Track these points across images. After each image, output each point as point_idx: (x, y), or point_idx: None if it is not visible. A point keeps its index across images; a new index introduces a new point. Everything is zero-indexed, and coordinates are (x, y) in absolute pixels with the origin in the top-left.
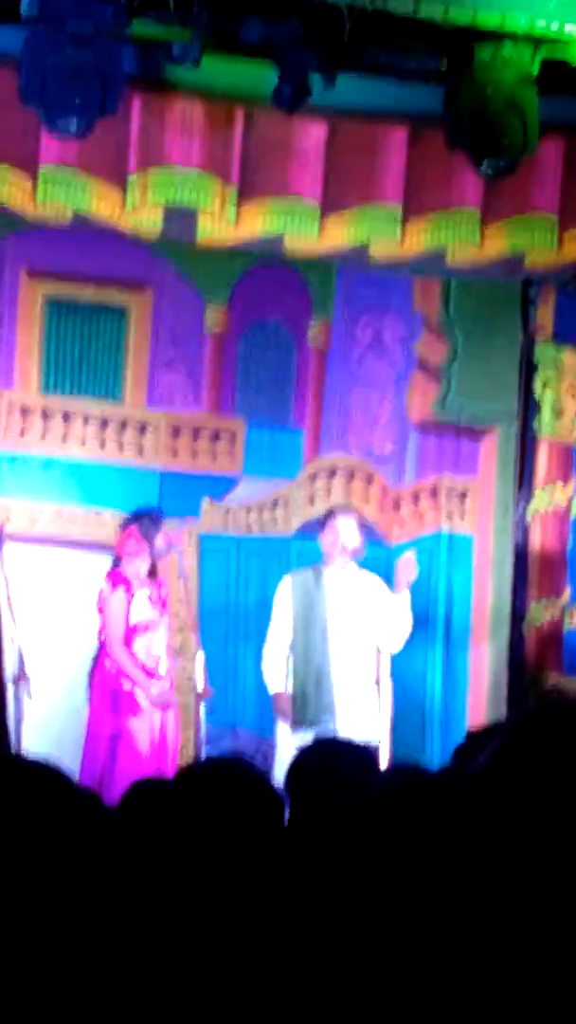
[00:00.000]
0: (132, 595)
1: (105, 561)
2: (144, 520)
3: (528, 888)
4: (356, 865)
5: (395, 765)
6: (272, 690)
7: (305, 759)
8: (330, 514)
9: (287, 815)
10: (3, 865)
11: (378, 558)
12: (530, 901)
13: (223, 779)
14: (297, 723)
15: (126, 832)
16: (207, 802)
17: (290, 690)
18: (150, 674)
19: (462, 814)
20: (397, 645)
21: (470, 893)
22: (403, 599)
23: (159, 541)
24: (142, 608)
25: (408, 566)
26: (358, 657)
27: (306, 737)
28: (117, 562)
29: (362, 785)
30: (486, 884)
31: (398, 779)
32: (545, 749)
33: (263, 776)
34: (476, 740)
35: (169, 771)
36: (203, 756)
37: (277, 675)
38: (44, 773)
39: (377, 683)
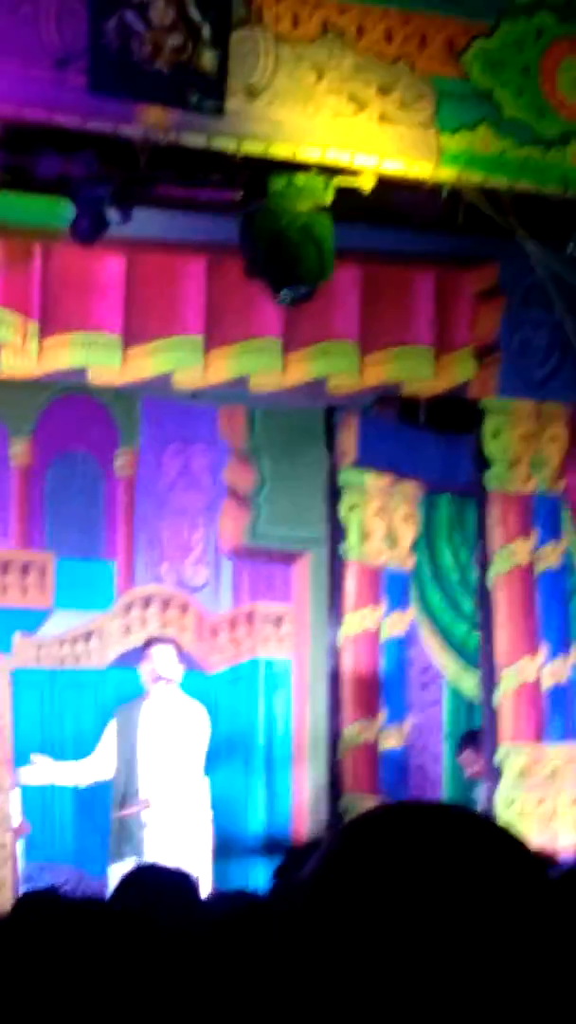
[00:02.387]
0: None
1: None
2: None
3: (366, 1003)
4: (186, 995)
5: (219, 892)
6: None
7: (124, 886)
8: (148, 643)
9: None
10: None
11: (196, 687)
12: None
13: (38, 913)
14: (111, 854)
15: None
16: (21, 937)
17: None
18: None
19: (291, 932)
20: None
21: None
22: None
23: None
24: None
25: None
26: (173, 787)
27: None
28: None
29: (182, 909)
30: (325, 1002)
31: (226, 905)
32: (371, 853)
33: (78, 907)
34: (295, 857)
35: None
36: (20, 893)
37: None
38: None
39: (196, 815)
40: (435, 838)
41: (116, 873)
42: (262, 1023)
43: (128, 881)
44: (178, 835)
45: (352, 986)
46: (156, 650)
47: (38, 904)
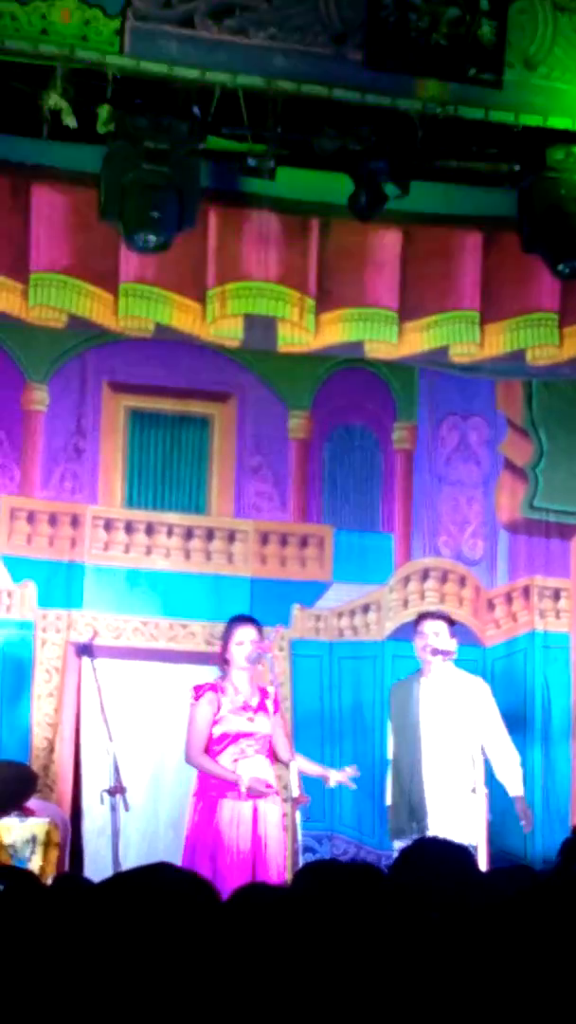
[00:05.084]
0: (220, 704)
1: (190, 672)
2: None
3: None
4: (465, 967)
5: (499, 867)
6: (387, 801)
7: (405, 858)
8: (420, 618)
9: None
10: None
11: (474, 660)
12: None
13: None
14: (393, 831)
15: (241, 927)
16: (329, 904)
17: (390, 800)
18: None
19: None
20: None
21: None
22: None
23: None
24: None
25: None
26: (452, 762)
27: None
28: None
29: (463, 884)
30: None
31: (507, 881)
32: None
33: (360, 878)
34: None
35: (271, 879)
36: (300, 863)
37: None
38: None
39: (474, 789)
40: None
41: (399, 847)
42: (538, 1001)
43: (409, 854)
44: (457, 810)
45: None
46: (428, 625)
47: (320, 875)
